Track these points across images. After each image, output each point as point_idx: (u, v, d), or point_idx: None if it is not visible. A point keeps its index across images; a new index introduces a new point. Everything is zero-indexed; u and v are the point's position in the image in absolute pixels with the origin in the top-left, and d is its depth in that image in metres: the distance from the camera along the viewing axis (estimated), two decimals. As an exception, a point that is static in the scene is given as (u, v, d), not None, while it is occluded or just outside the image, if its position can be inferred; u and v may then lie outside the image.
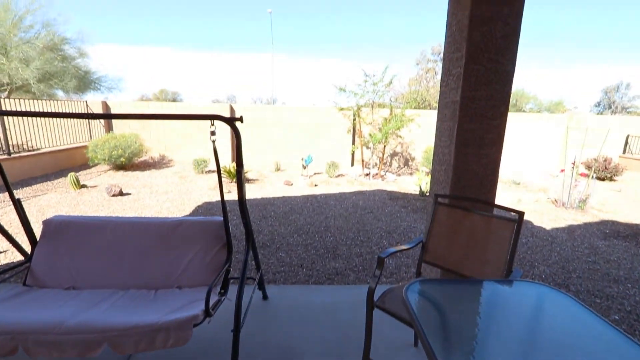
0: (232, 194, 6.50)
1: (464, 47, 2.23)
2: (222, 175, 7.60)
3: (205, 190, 6.75)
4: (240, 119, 1.93)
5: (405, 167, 10.06)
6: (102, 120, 9.47)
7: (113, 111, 9.60)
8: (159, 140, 9.83)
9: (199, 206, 5.74)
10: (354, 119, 9.54)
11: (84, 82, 15.69)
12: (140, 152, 8.78)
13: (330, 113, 9.71)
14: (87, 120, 9.42)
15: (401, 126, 7.56)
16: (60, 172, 8.02)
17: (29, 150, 7.91)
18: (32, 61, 11.77)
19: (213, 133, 1.90)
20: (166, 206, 5.64)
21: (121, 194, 6.25)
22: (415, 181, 7.32)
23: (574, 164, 5.77)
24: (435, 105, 12.57)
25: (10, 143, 7.55)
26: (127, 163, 8.45)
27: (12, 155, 7.19)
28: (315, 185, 7.41)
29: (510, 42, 2.22)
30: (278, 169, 8.90)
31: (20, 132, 9.89)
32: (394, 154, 10.08)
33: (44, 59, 11.95)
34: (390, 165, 10.12)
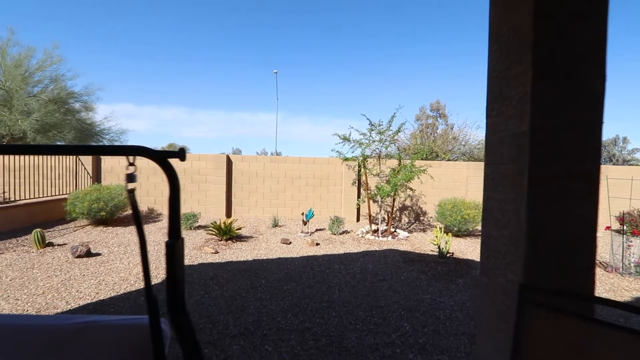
0: (221, 256, 5.55)
1: (528, 58, 1.54)
2: (214, 231, 6.74)
3: (188, 251, 5.80)
4: (181, 155, 1.11)
5: (417, 222, 9.14)
6: (89, 171, 8.89)
7: (104, 160, 9.10)
8: (148, 193, 9.13)
9: (175, 271, 4.76)
10: (359, 171, 8.91)
11: (87, 134, 15.69)
12: (125, 205, 8.02)
13: (334, 164, 9.12)
14: (73, 170, 8.86)
15: (412, 177, 6.85)
16: (33, 227, 7.17)
17: (1, 203, 7.20)
18: (33, 113, 11.71)
19: (130, 178, 1.07)
20: (136, 271, 4.68)
21: (89, 254, 5.33)
22: (432, 239, 6.37)
23: (622, 219, 4.86)
24: (444, 156, 12.11)
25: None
26: (109, 217, 7.64)
27: (-23, 209, 6.45)
28: (317, 245, 6.45)
29: (595, 48, 1.54)
30: (276, 225, 8.03)
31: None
32: (403, 208, 9.24)
33: (44, 111, 11.91)
34: (400, 221, 9.21)
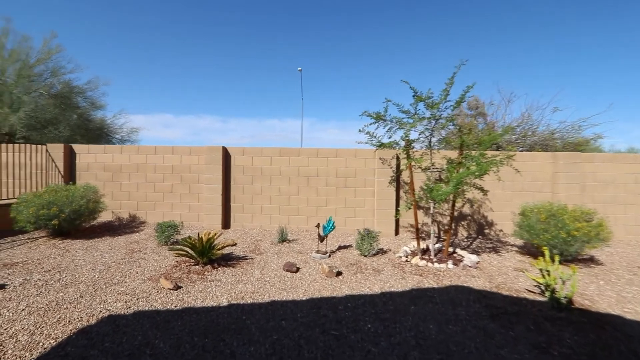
0: (180, 297, 3.44)
1: None
2: (185, 251, 4.68)
3: (139, 283, 3.77)
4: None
5: (481, 237, 6.58)
6: (60, 169, 7.26)
7: (80, 155, 7.43)
8: (130, 196, 7.33)
9: (87, 327, 2.71)
10: (398, 165, 6.54)
11: (98, 132, 14.58)
12: (94, 210, 6.23)
13: (363, 157, 6.82)
14: (44, 168, 7.27)
15: (486, 170, 4.40)
16: (-32, 240, 5.54)
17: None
18: (23, 106, 10.50)
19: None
20: (24, 324, 2.68)
21: (-20, 289, 3.44)
22: (516, 266, 3.92)
23: None
24: (510, 148, 9.24)
25: None
26: (70, 227, 5.86)
27: None
28: (338, 275, 4.18)
29: None
30: (284, 240, 5.86)
31: None
32: (459, 217, 6.72)
33: (34, 105, 10.68)
34: (456, 235, 6.69)
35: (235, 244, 5.59)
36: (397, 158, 6.59)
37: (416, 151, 5.28)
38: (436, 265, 4.61)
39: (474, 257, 4.85)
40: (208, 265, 4.39)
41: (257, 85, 43.69)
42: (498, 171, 4.70)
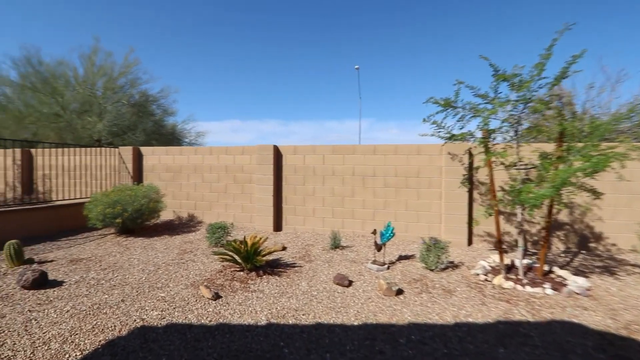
0: (218, 308, 3.12)
1: None
2: (230, 256, 4.40)
3: (181, 288, 3.56)
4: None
5: (584, 252, 5.20)
6: (129, 170, 7.76)
7: (146, 157, 7.88)
8: (188, 196, 7.52)
9: (116, 338, 2.49)
10: (471, 162, 5.51)
11: (170, 137, 15.86)
12: (154, 210, 6.45)
13: (427, 153, 5.94)
14: (117, 169, 7.86)
15: (606, 165, 3.26)
16: (58, 233, 6.10)
17: (28, 204, 6.36)
18: (107, 116, 11.74)
19: None
20: (61, 329, 2.57)
21: (40, 284, 3.54)
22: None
23: None
24: (623, 139, 7.44)
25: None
26: (133, 225, 6.12)
27: (-17, 212, 5.54)
28: (398, 293, 3.47)
29: None
30: (336, 246, 5.31)
31: (50, 181, 9.00)
32: (554, 226, 5.41)
33: (116, 113, 11.87)
34: (549, 248, 5.40)
35: (284, 249, 5.22)
36: (470, 154, 5.56)
37: (496, 144, 4.27)
38: (528, 289, 3.60)
39: (581, 281, 3.69)
40: (253, 273, 4.04)
41: (317, 87, 44.02)
42: (623, 167, 3.49)
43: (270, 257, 4.57)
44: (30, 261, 4.45)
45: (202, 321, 2.82)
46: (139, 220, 6.14)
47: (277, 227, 6.73)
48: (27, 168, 8.92)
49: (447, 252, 4.34)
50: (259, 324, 2.81)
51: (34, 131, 12.62)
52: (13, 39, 26.20)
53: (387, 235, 4.45)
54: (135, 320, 2.81)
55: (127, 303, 3.16)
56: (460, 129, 4.30)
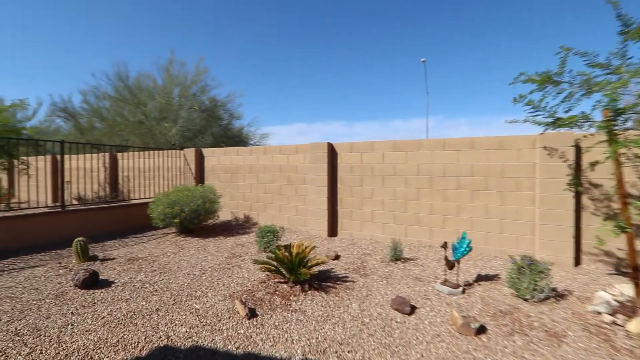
0: (250, 331, 2.68)
1: None
2: (273, 266, 3.96)
3: (218, 300, 3.24)
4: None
5: None
6: (192, 171, 8.03)
7: (206, 158, 8.08)
8: (244, 196, 7.45)
9: (136, 359, 2.20)
10: (579, 155, 4.21)
11: (236, 139, 16.63)
12: (210, 210, 6.46)
13: (513, 147, 4.77)
14: (182, 170, 8.22)
15: None
16: (119, 233, 6.52)
17: (95, 203, 6.93)
18: (179, 122, 12.64)
19: None
20: (89, 339, 2.40)
21: (90, 284, 3.56)
22: None
23: None
24: None
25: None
26: (190, 225, 6.20)
27: (66, 209, 6.11)
28: (479, 332, 2.60)
29: None
30: (397, 258, 4.53)
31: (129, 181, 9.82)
32: None
33: (187, 118, 12.71)
34: None
35: (337, 258, 4.64)
36: (577, 147, 4.26)
37: (626, 130, 3.03)
38: (691, 343, 2.39)
39: None
40: (297, 286, 3.55)
41: (380, 86, 42.49)
42: None
43: (318, 268, 4.03)
44: (95, 258, 4.67)
45: (229, 347, 2.39)
46: (196, 221, 6.19)
47: (332, 232, 6.18)
48: (113, 170, 9.97)
49: (547, 275, 3.26)
50: (294, 353, 2.28)
51: (125, 137, 14.30)
52: (108, 58, 30.70)
53: (462, 249, 3.54)
54: (160, 337, 2.51)
55: (160, 314, 2.93)
56: (567, 111, 3.21)
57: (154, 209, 6.05)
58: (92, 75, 20.67)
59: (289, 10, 30.78)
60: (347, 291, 3.47)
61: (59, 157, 11.50)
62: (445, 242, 3.61)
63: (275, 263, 3.67)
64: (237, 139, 16.65)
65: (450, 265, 3.53)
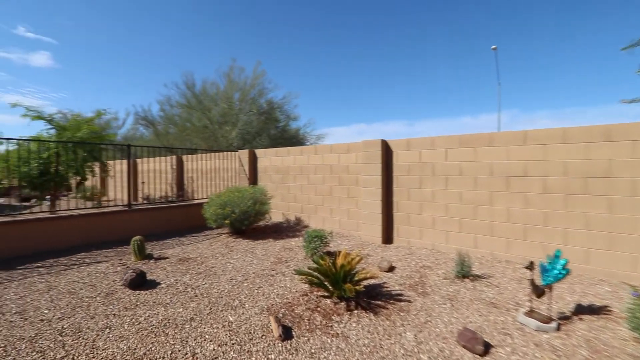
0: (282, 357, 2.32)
1: None
2: (316, 277, 3.53)
3: (254, 313, 2.96)
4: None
5: None
6: (246, 171, 8.10)
7: (259, 159, 8.09)
8: (295, 198, 7.23)
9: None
10: None
11: (293, 140, 16.83)
12: (261, 212, 6.36)
13: (625, 137, 3.66)
14: (237, 171, 8.37)
15: None
16: (178, 231, 6.78)
17: (158, 203, 7.32)
18: (238, 125, 13.11)
19: None
20: (119, 349, 2.29)
21: (137, 285, 3.59)
22: None
23: None
24: None
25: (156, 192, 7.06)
26: (240, 227, 6.17)
27: (132, 208, 6.54)
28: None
29: None
30: (465, 275, 3.77)
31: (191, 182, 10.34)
32: None
33: (245, 120, 13.12)
34: None
35: (391, 269, 4.07)
36: None
37: None
38: None
39: None
40: (342, 303, 3.10)
41: (445, 82, 39.54)
42: None
43: (368, 282, 3.53)
44: (150, 257, 4.83)
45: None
46: (246, 222, 6.13)
47: (387, 238, 5.58)
48: (179, 171, 10.68)
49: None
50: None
51: (192, 141, 15.43)
52: (179, 68, 33.72)
53: (555, 272, 2.72)
54: (186, 355, 2.29)
55: (193, 324, 2.74)
56: None
57: (207, 209, 6.15)
58: (164, 85, 22.90)
59: (347, 10, 30.40)
60: (401, 314, 2.91)
61: (137, 160, 12.82)
62: (532, 262, 2.81)
63: (317, 274, 3.27)
64: (293, 140, 16.80)
65: (539, 292, 2.74)
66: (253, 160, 8.17)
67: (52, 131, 7.95)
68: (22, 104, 7.58)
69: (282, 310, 3.00)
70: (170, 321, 2.80)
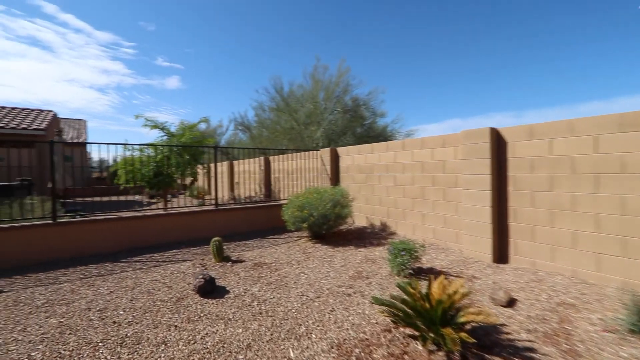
0: None
1: None
2: (402, 314, 2.66)
3: (319, 349, 2.34)
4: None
5: None
6: (328, 172, 7.63)
7: (341, 158, 7.53)
8: (380, 201, 6.41)
9: None
10: None
11: (380, 138, 15.93)
12: (341, 216, 5.78)
13: None
14: (320, 171, 8.00)
15: None
16: (260, 232, 6.71)
17: (243, 203, 7.37)
18: (324, 123, 12.89)
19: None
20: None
21: (205, 292, 3.38)
22: None
23: None
24: None
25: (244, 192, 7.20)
26: (320, 231, 5.70)
27: (219, 208, 6.71)
28: None
29: None
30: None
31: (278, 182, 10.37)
32: None
33: (329, 119, 12.80)
34: None
35: (511, 304, 2.96)
36: None
37: None
38: None
39: None
40: (441, 352, 2.23)
41: (563, 64, 32.27)
42: None
43: (464, 337, 2.54)
44: (227, 259, 4.73)
45: None
46: (325, 226, 5.62)
47: (499, 256, 4.31)
48: (267, 172, 10.99)
49: None
50: None
51: (281, 143, 16.00)
52: (268, 73, 36.03)
53: None
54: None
55: (247, 354, 2.28)
56: None
57: (286, 211, 5.88)
58: (256, 91, 24.66)
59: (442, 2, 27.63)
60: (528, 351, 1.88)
61: (234, 162, 13.85)
62: None
63: (403, 307, 2.46)
64: (380, 138, 15.82)
65: None
66: (335, 159, 7.66)
67: (165, 138, 8.99)
68: (142, 116, 8.78)
69: (356, 350, 2.30)
70: (225, 346, 2.41)
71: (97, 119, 60.47)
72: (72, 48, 48.06)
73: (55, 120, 13.59)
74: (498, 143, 4.32)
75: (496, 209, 4.30)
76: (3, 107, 12.32)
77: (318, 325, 2.71)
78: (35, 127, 10.74)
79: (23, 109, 12.73)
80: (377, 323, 2.71)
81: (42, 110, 13.09)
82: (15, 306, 3.25)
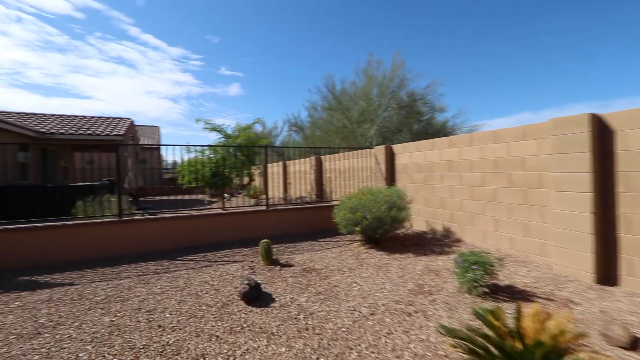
0: None
1: None
2: (480, 353, 2.07)
3: (375, 385, 1.93)
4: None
5: None
6: (382, 171, 7.07)
7: (397, 156, 6.93)
8: (443, 203, 5.69)
9: None
10: None
11: (440, 135, 14.80)
12: (397, 219, 5.24)
13: None
14: (373, 170, 7.49)
15: None
16: (311, 234, 6.44)
17: (293, 204, 7.15)
18: (378, 120, 12.29)
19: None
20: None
21: (250, 299, 3.18)
22: None
23: None
24: None
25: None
26: (374, 235, 5.24)
27: (269, 209, 6.59)
28: None
29: None
30: None
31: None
32: None
33: (383, 116, 12.13)
34: None
35: (635, 346, 2.22)
36: None
37: None
38: None
39: None
40: (537, 411, 1.65)
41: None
42: None
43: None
44: (276, 262, 4.54)
45: None
46: (380, 230, 5.14)
47: (604, 275, 3.41)
48: (319, 172, 10.78)
49: None
50: None
51: (334, 142, 15.74)
52: (320, 73, 36.07)
53: None
54: None
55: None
56: None
57: (337, 213, 5.52)
58: (308, 91, 24.73)
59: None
60: None
61: (288, 162, 13.95)
62: None
63: (484, 343, 1.92)
64: (440, 135, 14.61)
65: None
66: (390, 157, 7.10)
67: (222, 139, 9.31)
68: (202, 119, 9.20)
69: (421, 393, 1.84)
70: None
71: (170, 125, 67.38)
72: (151, 64, 54.29)
73: (132, 126, 15.11)
74: (601, 133, 3.43)
75: (600, 216, 3.41)
76: (91, 117, 14.07)
77: (372, 352, 2.29)
78: (115, 133, 12.00)
79: (107, 118, 14.40)
80: (446, 357, 2.20)
81: (122, 118, 14.66)
82: (79, 300, 3.41)
